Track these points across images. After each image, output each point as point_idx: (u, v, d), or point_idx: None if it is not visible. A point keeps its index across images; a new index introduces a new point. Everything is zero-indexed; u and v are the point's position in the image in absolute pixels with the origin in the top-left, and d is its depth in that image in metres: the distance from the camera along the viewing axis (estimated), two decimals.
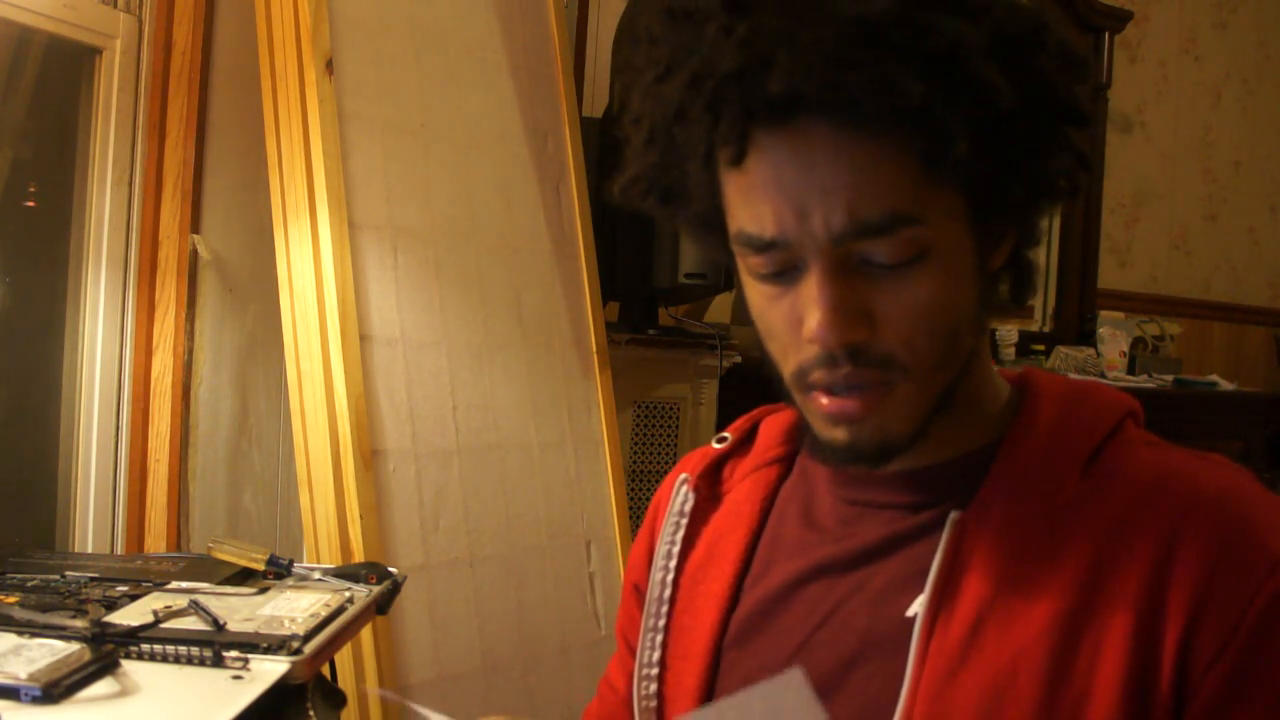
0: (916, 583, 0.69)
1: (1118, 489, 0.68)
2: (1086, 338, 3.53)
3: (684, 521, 0.84)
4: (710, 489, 0.85)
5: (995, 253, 0.71)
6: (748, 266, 0.70)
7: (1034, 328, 3.55)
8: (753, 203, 0.66)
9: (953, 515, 0.70)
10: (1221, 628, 0.61)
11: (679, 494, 0.85)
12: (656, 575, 0.83)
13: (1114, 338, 3.49)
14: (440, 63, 1.73)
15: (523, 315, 1.78)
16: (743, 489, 0.84)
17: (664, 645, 0.81)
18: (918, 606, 0.68)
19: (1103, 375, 3.32)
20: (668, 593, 0.83)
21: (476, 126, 1.78)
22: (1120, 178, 3.78)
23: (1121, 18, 3.55)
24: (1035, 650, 0.64)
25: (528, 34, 1.90)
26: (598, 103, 2.54)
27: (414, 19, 1.70)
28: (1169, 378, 3.47)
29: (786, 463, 0.84)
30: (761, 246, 0.66)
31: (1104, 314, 3.66)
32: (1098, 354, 3.42)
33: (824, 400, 0.68)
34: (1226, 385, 3.57)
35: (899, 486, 0.75)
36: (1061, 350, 3.35)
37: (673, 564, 0.83)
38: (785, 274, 0.67)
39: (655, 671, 0.80)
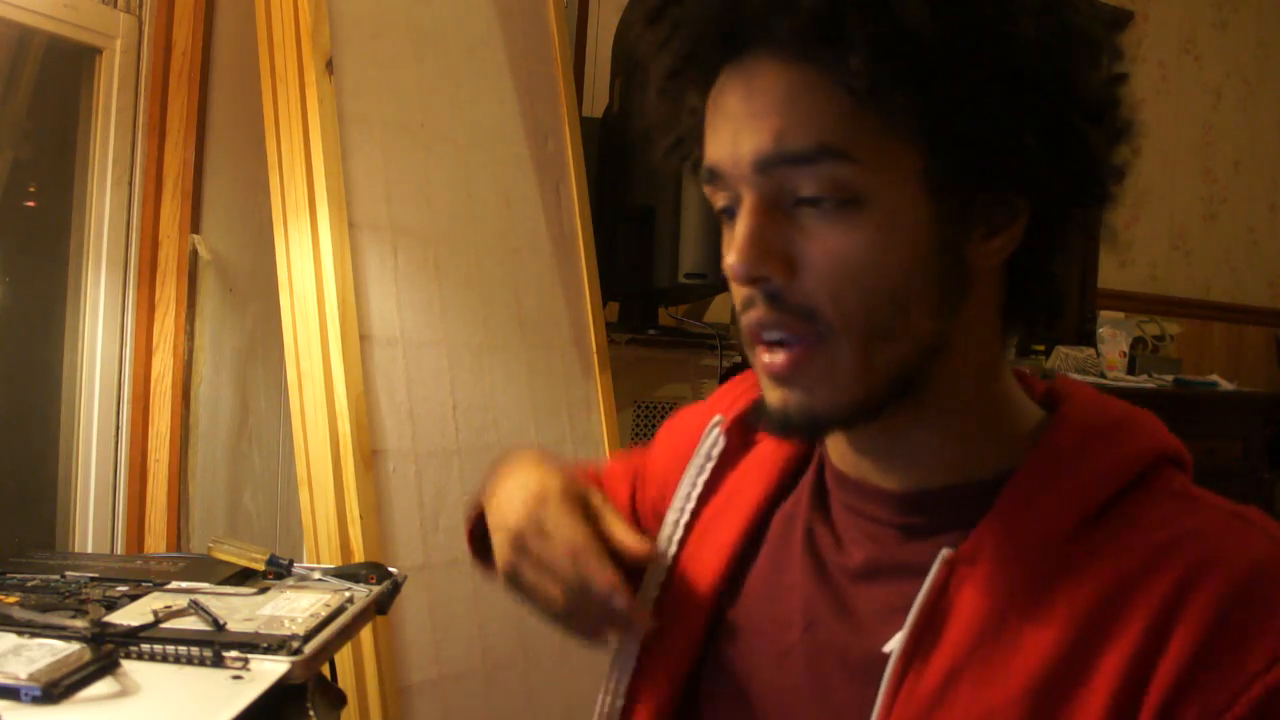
0: (898, 617, 0.66)
1: (1127, 545, 0.62)
2: (1087, 338, 3.53)
3: (709, 465, 0.82)
4: (742, 436, 0.82)
5: (977, 238, 0.66)
6: (715, 208, 0.70)
7: None
8: (709, 133, 0.67)
9: (944, 553, 0.66)
10: (1203, 716, 0.57)
11: (710, 436, 0.83)
12: (671, 515, 0.81)
13: (1114, 338, 3.49)
14: (440, 63, 1.73)
15: (523, 315, 1.78)
16: (771, 443, 0.81)
17: (665, 586, 0.79)
18: (895, 644, 0.65)
19: (1103, 375, 3.32)
20: (679, 534, 0.81)
21: (476, 126, 1.78)
22: None
23: (1122, 18, 3.55)
24: (1009, 713, 0.60)
25: (528, 34, 1.90)
26: (598, 103, 2.54)
27: (414, 19, 1.70)
28: (1169, 378, 3.47)
29: None
30: (708, 177, 0.67)
31: (1104, 314, 3.65)
32: (1098, 354, 3.41)
33: (764, 356, 0.67)
34: (1226, 385, 3.56)
35: (895, 505, 0.71)
36: (1061, 350, 3.34)
37: (690, 506, 0.81)
38: (730, 211, 0.67)
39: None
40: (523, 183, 1.84)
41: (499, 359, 1.72)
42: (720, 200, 0.68)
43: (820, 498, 0.77)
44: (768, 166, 0.63)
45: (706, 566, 0.78)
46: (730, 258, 0.65)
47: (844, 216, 0.63)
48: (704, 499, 0.81)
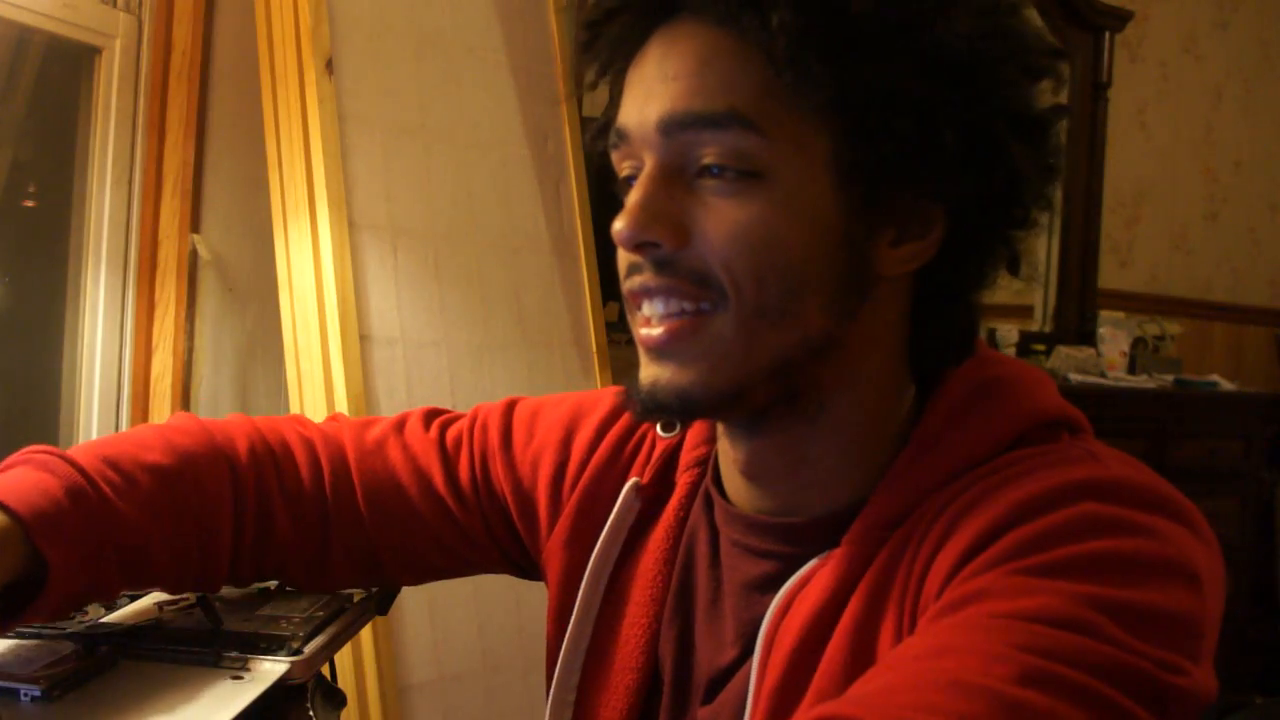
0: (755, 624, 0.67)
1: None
2: (1087, 337, 3.53)
3: (623, 535, 0.79)
4: (657, 490, 0.78)
5: (885, 242, 0.64)
6: (619, 176, 0.69)
7: (1034, 327, 3.54)
8: (624, 97, 0.67)
9: (780, 592, 0.66)
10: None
11: (625, 500, 0.79)
12: (589, 579, 0.79)
13: (1114, 337, 3.49)
14: (440, 63, 1.73)
15: (523, 315, 1.78)
16: (677, 496, 0.77)
17: (590, 650, 0.79)
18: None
19: (1103, 375, 3.32)
20: (599, 600, 0.79)
21: (476, 126, 1.78)
22: (1120, 178, 3.78)
23: (1121, 17, 3.55)
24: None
25: (528, 34, 1.90)
26: (598, 103, 2.54)
27: (414, 19, 1.70)
28: (1169, 378, 3.47)
29: (703, 465, 0.77)
30: (615, 140, 0.67)
31: (1104, 314, 3.65)
32: (1098, 354, 3.41)
33: (642, 330, 0.65)
34: (1227, 385, 3.56)
35: (776, 536, 0.69)
36: (1062, 350, 3.35)
37: (609, 571, 0.78)
38: (632, 180, 0.66)
39: (572, 697, 0.79)
40: (523, 183, 1.84)
41: (499, 359, 1.72)
42: (625, 168, 0.67)
43: (712, 538, 0.74)
44: (673, 128, 0.62)
45: (633, 626, 0.76)
46: (618, 223, 0.64)
47: (743, 189, 0.61)
48: (621, 561, 0.78)
